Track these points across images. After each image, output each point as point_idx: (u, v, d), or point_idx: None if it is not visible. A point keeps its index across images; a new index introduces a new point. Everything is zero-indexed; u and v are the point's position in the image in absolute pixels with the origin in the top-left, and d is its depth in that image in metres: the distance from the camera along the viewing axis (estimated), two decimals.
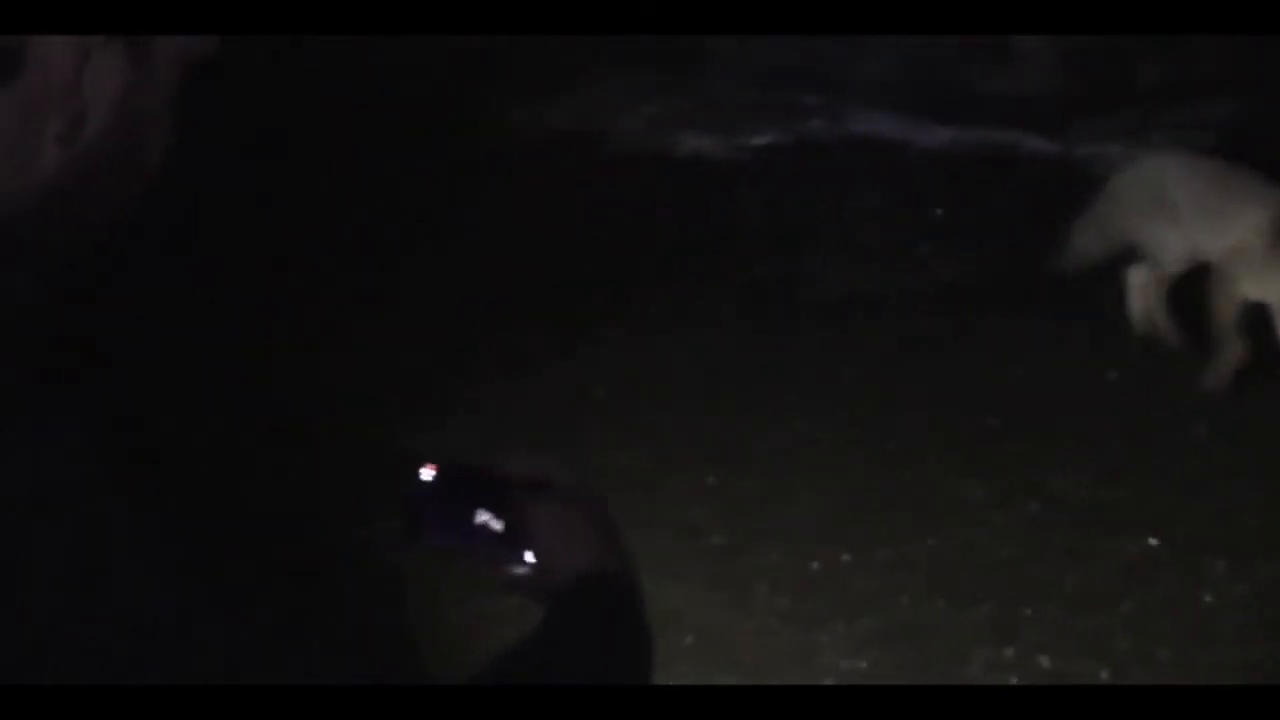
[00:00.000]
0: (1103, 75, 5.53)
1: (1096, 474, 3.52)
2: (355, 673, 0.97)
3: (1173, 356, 3.95)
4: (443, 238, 4.54)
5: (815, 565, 3.24)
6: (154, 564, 0.90)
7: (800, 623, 3.06)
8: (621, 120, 5.38)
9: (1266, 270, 3.90)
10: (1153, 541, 3.29)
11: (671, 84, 5.49)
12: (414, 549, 1.14)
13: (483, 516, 1.13)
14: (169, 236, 2.91)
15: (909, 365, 4.03)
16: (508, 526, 1.14)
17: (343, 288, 4.17)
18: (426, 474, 1.15)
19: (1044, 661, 2.97)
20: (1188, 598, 3.14)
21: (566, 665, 1.09)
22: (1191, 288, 3.97)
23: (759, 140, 5.37)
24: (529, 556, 1.14)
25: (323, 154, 4.66)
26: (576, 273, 4.43)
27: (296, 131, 4.73)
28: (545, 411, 3.75)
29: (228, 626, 0.94)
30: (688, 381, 3.93)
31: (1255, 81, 5.39)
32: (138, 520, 0.92)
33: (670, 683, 2.85)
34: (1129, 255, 4.13)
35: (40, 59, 0.87)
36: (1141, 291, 4.09)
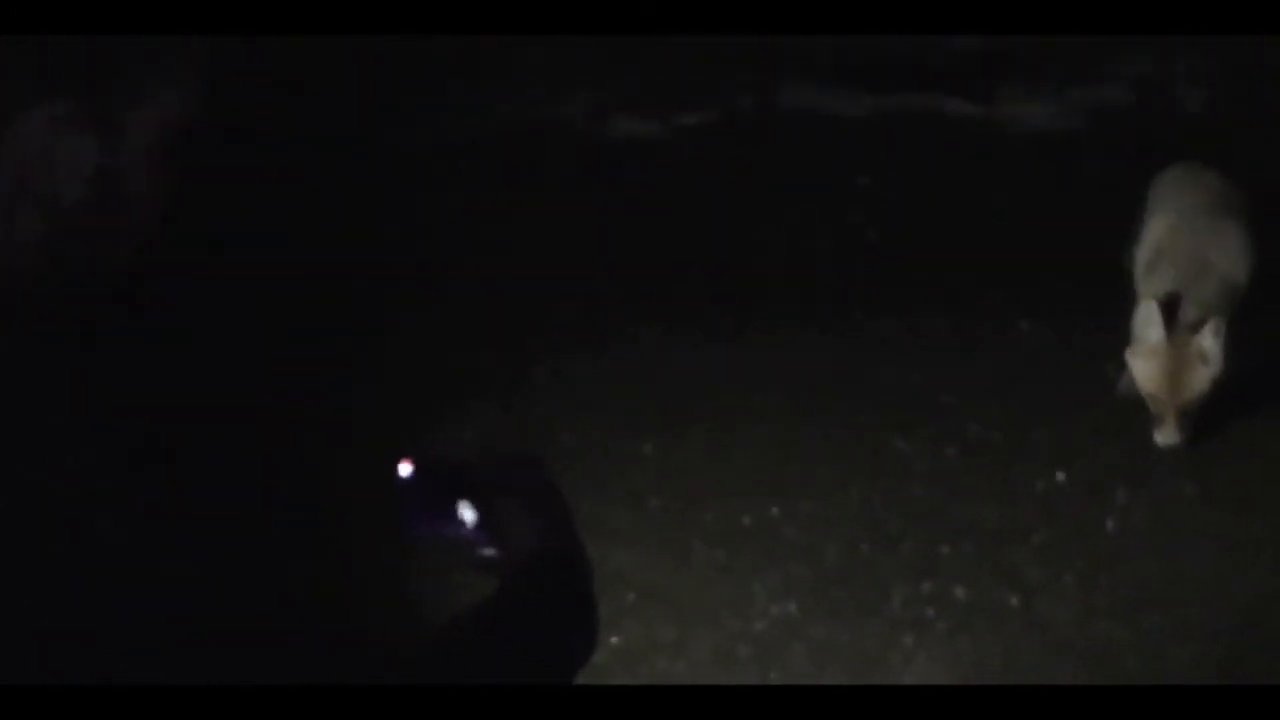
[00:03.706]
0: (1023, 36, 5.91)
1: (1010, 419, 3.92)
2: (344, 647, 1.20)
3: (1079, 311, 4.31)
4: (403, 237, 4.89)
5: (747, 520, 3.64)
6: (159, 566, 1.14)
7: (734, 574, 3.46)
8: (557, 107, 5.76)
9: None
10: (1060, 476, 3.71)
11: (602, 70, 5.86)
12: (397, 539, 1.43)
13: (457, 508, 1.42)
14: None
15: (836, 328, 4.42)
16: (479, 516, 1.43)
17: (328, 293, 4.52)
18: (404, 469, 1.43)
19: (959, 592, 3.38)
20: (1092, 527, 3.56)
21: (525, 627, 1.39)
22: None
23: (689, 120, 5.75)
24: (499, 543, 1.44)
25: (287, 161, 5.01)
26: (525, 261, 4.80)
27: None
28: (493, 395, 4.13)
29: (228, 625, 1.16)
30: (625, 359, 4.31)
31: (1175, 38, 5.78)
32: (144, 523, 1.16)
33: (613, 638, 3.26)
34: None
35: (13, 142, 1.14)
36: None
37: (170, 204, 1.21)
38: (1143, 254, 3.97)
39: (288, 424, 3.80)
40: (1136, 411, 3.90)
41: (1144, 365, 3.70)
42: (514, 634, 1.40)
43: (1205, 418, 3.74)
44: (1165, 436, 3.68)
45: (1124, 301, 4.16)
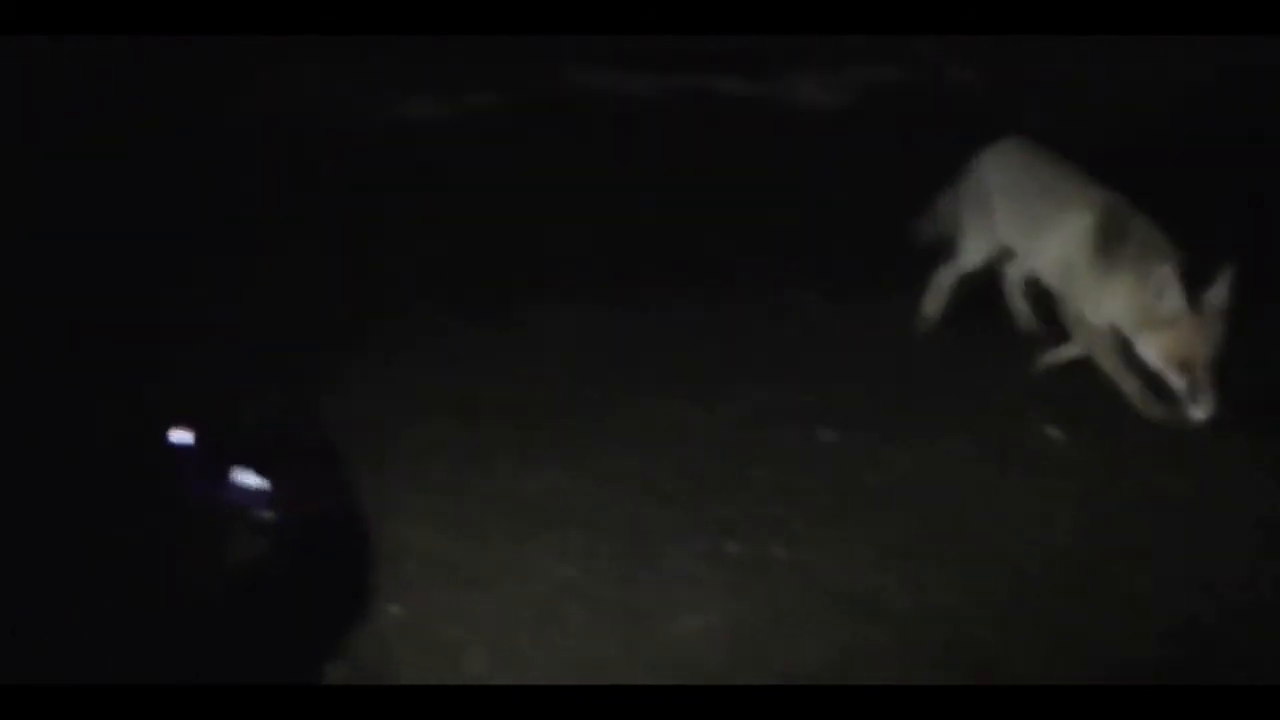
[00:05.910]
0: (801, 14, 6.12)
1: (782, 384, 4.11)
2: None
3: (853, 282, 4.52)
4: (194, 221, 4.90)
5: (529, 488, 3.76)
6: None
7: (514, 539, 3.58)
8: (335, 90, 5.82)
9: (1090, 285, 3.79)
10: (827, 436, 3.90)
11: (385, 50, 5.94)
12: (177, 503, 1.51)
13: (234, 473, 1.52)
14: None
15: (617, 304, 4.56)
16: (259, 481, 1.52)
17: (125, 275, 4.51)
18: (180, 436, 1.52)
19: (730, 548, 3.55)
20: (856, 481, 3.75)
21: (295, 587, 1.48)
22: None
23: (476, 101, 5.87)
24: (276, 507, 1.54)
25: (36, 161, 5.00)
26: (313, 243, 4.85)
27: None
28: (279, 375, 4.18)
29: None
30: (411, 340, 4.40)
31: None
32: None
33: (392, 606, 3.35)
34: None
35: None
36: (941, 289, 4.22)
37: None
38: (1059, 248, 3.93)
39: (80, 400, 3.82)
40: (901, 374, 4.14)
41: (1175, 335, 3.57)
42: (284, 593, 1.48)
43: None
44: (1207, 404, 3.56)
45: (903, 272, 4.36)
